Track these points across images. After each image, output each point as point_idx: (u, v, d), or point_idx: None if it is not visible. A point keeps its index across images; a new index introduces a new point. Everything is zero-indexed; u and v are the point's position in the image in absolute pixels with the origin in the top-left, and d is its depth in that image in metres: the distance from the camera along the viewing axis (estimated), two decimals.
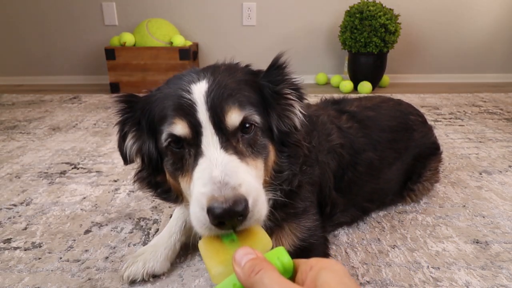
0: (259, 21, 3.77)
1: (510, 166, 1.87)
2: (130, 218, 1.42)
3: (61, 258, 1.20)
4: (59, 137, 2.31)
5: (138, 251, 1.16)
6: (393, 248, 1.24)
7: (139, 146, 0.95)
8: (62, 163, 1.93)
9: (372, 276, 1.11)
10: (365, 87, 3.44)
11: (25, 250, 1.24)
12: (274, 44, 3.82)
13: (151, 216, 1.44)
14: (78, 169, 1.86)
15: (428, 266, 1.15)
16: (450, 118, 2.67)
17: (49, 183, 1.71)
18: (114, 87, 3.41)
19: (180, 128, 0.79)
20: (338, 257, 1.20)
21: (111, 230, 1.35)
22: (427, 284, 1.08)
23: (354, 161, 1.25)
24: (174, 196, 0.98)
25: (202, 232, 0.70)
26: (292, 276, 0.56)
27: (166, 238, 1.17)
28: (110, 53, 3.31)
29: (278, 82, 0.93)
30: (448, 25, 3.82)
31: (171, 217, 1.25)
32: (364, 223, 1.39)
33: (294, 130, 0.93)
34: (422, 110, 1.69)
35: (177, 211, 1.23)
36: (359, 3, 3.35)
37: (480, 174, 1.78)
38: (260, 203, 0.71)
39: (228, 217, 0.65)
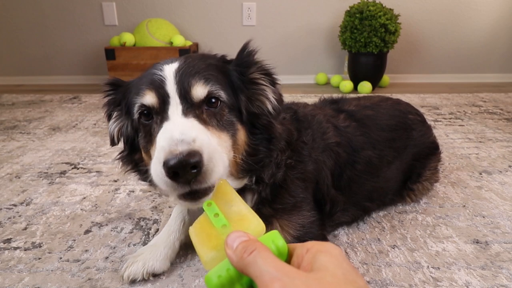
0: (259, 21, 3.77)
1: (510, 166, 1.87)
2: (130, 218, 1.42)
3: (61, 258, 1.20)
4: (59, 137, 2.31)
5: (138, 251, 1.16)
6: (393, 248, 1.24)
7: (120, 126, 1.02)
8: (62, 163, 1.93)
9: (372, 276, 1.11)
10: (365, 87, 3.44)
11: (25, 250, 1.24)
12: (274, 44, 3.82)
13: (151, 216, 1.44)
14: (78, 169, 1.86)
15: (428, 266, 1.15)
16: (450, 118, 2.67)
17: (49, 183, 1.71)
18: None
19: (148, 97, 0.86)
20: None
21: (111, 230, 1.35)
22: (427, 284, 1.08)
23: (352, 160, 1.25)
24: (145, 169, 1.01)
25: (162, 186, 0.75)
26: (287, 260, 0.55)
27: (166, 237, 1.17)
28: (110, 53, 3.31)
29: (246, 66, 0.96)
30: (448, 25, 3.82)
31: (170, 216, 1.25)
32: (364, 223, 1.39)
33: (267, 114, 0.96)
34: (422, 110, 1.69)
35: (176, 210, 1.23)
36: (359, 3, 3.35)
37: (480, 174, 1.78)
38: (215, 159, 0.75)
39: (181, 167, 0.68)
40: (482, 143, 2.18)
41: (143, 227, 1.37)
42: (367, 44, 3.29)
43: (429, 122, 1.59)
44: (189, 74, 0.87)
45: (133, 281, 1.08)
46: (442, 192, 1.61)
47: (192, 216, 1.20)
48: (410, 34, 3.81)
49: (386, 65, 3.55)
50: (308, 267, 0.48)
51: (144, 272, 1.08)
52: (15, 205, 1.52)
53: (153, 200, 1.54)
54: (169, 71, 0.88)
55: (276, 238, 0.54)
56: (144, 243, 1.26)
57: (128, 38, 3.34)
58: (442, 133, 2.34)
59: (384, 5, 3.31)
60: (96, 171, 1.83)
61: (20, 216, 1.44)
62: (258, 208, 1.03)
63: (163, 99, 0.85)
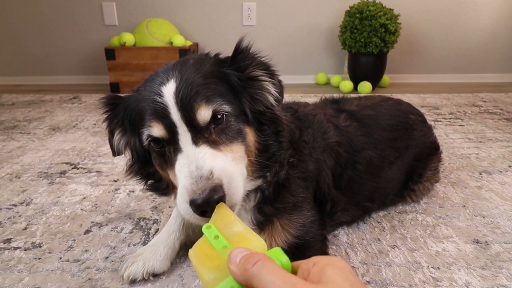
0: (259, 21, 3.77)
1: (510, 166, 1.87)
2: (130, 218, 1.42)
3: (61, 258, 1.20)
4: (59, 137, 2.31)
5: (137, 251, 1.16)
6: (393, 248, 1.24)
7: (126, 141, 1.01)
8: (62, 163, 1.93)
9: (372, 276, 1.11)
10: (365, 87, 3.44)
11: (25, 250, 1.24)
12: (274, 44, 3.82)
13: (151, 216, 1.44)
14: (78, 169, 1.86)
15: (428, 266, 1.15)
16: (450, 118, 2.67)
17: (49, 183, 1.71)
18: (114, 87, 3.41)
19: (156, 130, 0.86)
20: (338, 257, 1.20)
21: (111, 230, 1.35)
22: (427, 284, 1.08)
23: (353, 160, 1.25)
24: (165, 185, 1.03)
25: (191, 220, 0.79)
26: None
27: (165, 237, 1.17)
28: (110, 53, 3.31)
29: (245, 67, 0.94)
30: (448, 25, 3.82)
31: (170, 216, 1.25)
32: (364, 223, 1.39)
33: (269, 108, 0.96)
34: (422, 110, 1.69)
35: (176, 210, 1.23)
36: (359, 3, 3.35)
37: (480, 174, 1.78)
38: (234, 184, 0.78)
39: (208, 206, 0.72)
40: (482, 143, 2.18)
41: (143, 227, 1.37)
42: (367, 44, 3.29)
43: (429, 122, 1.59)
44: (189, 95, 0.84)
45: (133, 281, 1.08)
46: (442, 192, 1.61)
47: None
48: (410, 34, 3.81)
49: (386, 65, 3.55)
50: (315, 280, 0.47)
51: (144, 272, 1.08)
52: (15, 205, 1.52)
53: (153, 200, 1.54)
54: (168, 95, 0.85)
55: (279, 254, 0.53)
56: (144, 243, 1.26)
57: (128, 38, 3.34)
58: (442, 133, 2.34)
59: (384, 5, 3.31)
60: (96, 171, 1.83)
61: (20, 216, 1.44)
62: (260, 207, 1.03)
63: (171, 129, 0.84)
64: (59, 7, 3.67)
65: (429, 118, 2.59)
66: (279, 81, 0.98)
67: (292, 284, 0.44)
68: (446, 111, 2.86)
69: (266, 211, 1.04)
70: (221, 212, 0.70)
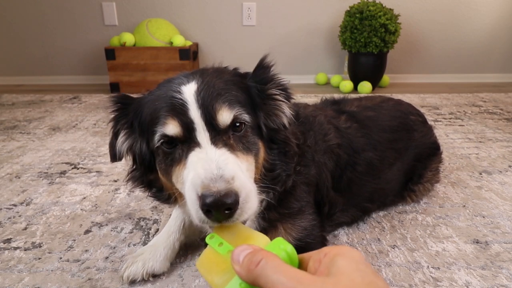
0: (259, 21, 3.77)
1: (510, 166, 1.87)
2: (130, 218, 1.42)
3: (61, 258, 1.20)
4: (59, 137, 2.31)
5: (137, 251, 1.16)
6: (393, 248, 1.24)
7: (130, 144, 0.97)
8: (62, 163, 1.93)
9: None
10: (365, 87, 3.44)
11: (25, 250, 1.24)
12: (274, 44, 3.82)
13: (151, 216, 1.44)
14: (78, 169, 1.86)
15: (428, 266, 1.15)
16: (450, 118, 2.67)
17: (49, 183, 1.71)
18: (114, 87, 3.41)
19: (171, 127, 0.82)
20: None
21: (111, 230, 1.35)
22: (427, 284, 1.08)
23: (353, 161, 1.25)
24: (166, 195, 1.00)
25: (193, 214, 0.74)
26: (303, 267, 0.52)
27: (165, 237, 1.17)
28: (110, 53, 3.31)
29: (265, 82, 0.95)
30: (448, 25, 3.82)
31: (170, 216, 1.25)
32: (364, 223, 1.39)
33: (282, 128, 0.96)
34: (422, 110, 1.69)
35: (176, 210, 1.23)
36: (359, 3, 3.35)
37: (480, 174, 1.78)
38: (251, 200, 0.74)
39: (216, 208, 0.68)
40: (482, 143, 2.18)
41: (143, 227, 1.37)
42: (367, 44, 3.29)
43: (429, 122, 1.59)
44: (211, 96, 0.83)
45: (132, 282, 1.08)
46: (442, 192, 1.61)
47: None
48: (410, 34, 3.81)
49: (386, 65, 3.55)
50: (326, 271, 0.46)
51: (144, 273, 1.08)
52: (15, 205, 1.52)
53: (153, 200, 1.54)
54: (188, 93, 0.83)
55: (283, 243, 0.53)
56: (144, 243, 1.26)
57: (128, 38, 3.34)
58: (442, 133, 2.34)
59: (384, 5, 3.31)
60: (96, 171, 1.83)
61: (20, 216, 1.44)
62: (265, 213, 1.03)
63: (188, 126, 0.81)
64: (59, 7, 3.67)
65: (429, 118, 2.59)
66: (294, 104, 0.99)
67: (297, 280, 0.43)
68: (446, 111, 2.86)
69: (270, 217, 1.04)
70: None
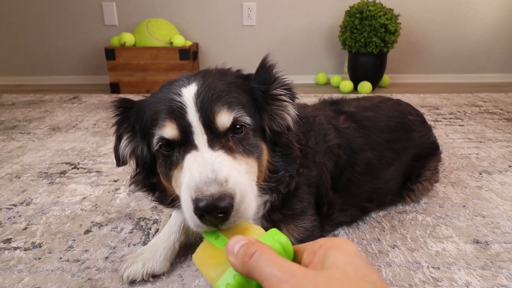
0: (259, 21, 3.77)
1: (510, 166, 1.87)
2: (130, 218, 1.42)
3: (61, 258, 1.20)
4: (59, 137, 2.31)
5: (137, 251, 1.16)
6: (393, 248, 1.24)
7: (133, 148, 0.97)
8: (62, 163, 1.93)
9: None
10: (365, 87, 3.44)
11: (25, 250, 1.24)
12: (274, 44, 3.82)
13: (151, 216, 1.44)
14: (78, 169, 1.86)
15: (428, 266, 1.15)
16: (450, 118, 2.67)
17: (49, 183, 1.71)
18: (114, 87, 3.41)
19: (169, 130, 0.81)
20: None
21: (111, 230, 1.35)
22: (427, 284, 1.08)
23: (352, 162, 1.25)
24: (169, 199, 0.99)
25: (189, 219, 0.72)
26: (298, 258, 0.52)
27: (165, 238, 1.17)
28: (110, 53, 3.31)
29: (269, 83, 0.93)
30: (448, 25, 3.82)
31: (170, 216, 1.25)
32: (364, 223, 1.39)
33: (286, 130, 0.94)
34: (422, 110, 1.69)
35: (176, 210, 1.23)
36: (359, 3, 3.35)
37: (480, 174, 1.78)
38: (247, 199, 0.72)
39: (209, 212, 0.66)
40: (482, 143, 2.18)
41: (143, 227, 1.37)
42: (367, 44, 3.29)
43: (429, 122, 1.59)
44: (210, 99, 0.81)
45: (132, 282, 1.08)
46: (442, 192, 1.61)
47: None
48: (410, 34, 3.81)
49: (386, 65, 3.55)
50: (319, 264, 0.46)
51: (143, 273, 1.08)
52: (15, 205, 1.52)
53: (157, 205, 1.54)
54: (188, 95, 0.82)
55: (277, 235, 0.53)
56: (144, 243, 1.26)
57: (128, 38, 3.34)
58: (442, 133, 2.34)
59: (384, 5, 3.31)
60: (96, 171, 1.83)
61: (20, 216, 1.44)
62: (268, 215, 1.03)
63: (185, 129, 0.80)
64: (59, 7, 3.67)
65: (429, 118, 2.60)
66: (298, 104, 0.98)
67: (291, 273, 0.43)
68: (446, 111, 2.86)
69: (274, 219, 1.04)
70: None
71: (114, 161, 1.03)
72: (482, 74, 4.04)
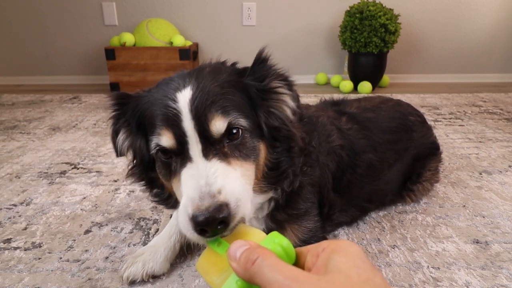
0: (259, 21, 3.77)
1: (510, 166, 1.87)
2: (130, 218, 1.42)
3: (61, 258, 1.20)
4: (59, 137, 2.31)
5: (137, 251, 1.16)
6: (393, 248, 1.24)
7: (130, 142, 0.96)
8: (62, 163, 1.93)
9: None
10: (365, 87, 3.44)
11: (25, 250, 1.24)
12: (274, 44, 3.82)
13: (151, 216, 1.44)
14: (78, 169, 1.86)
15: (428, 266, 1.15)
16: (450, 118, 2.67)
17: (49, 183, 1.71)
18: (114, 87, 3.41)
19: (165, 139, 0.80)
20: None
21: (111, 230, 1.35)
22: (427, 284, 1.08)
23: (353, 163, 1.25)
24: (166, 195, 0.99)
25: (190, 237, 0.72)
26: (301, 262, 0.52)
27: (166, 238, 1.17)
28: (110, 53, 3.31)
29: (264, 78, 0.91)
30: (448, 25, 3.82)
31: (171, 217, 1.25)
32: (364, 223, 1.39)
33: (285, 123, 0.93)
34: (422, 110, 1.69)
35: (177, 211, 1.23)
36: (359, 3, 3.35)
37: (480, 174, 1.78)
38: (243, 203, 0.73)
39: (208, 225, 0.67)
40: (482, 143, 2.18)
41: (143, 227, 1.37)
42: (367, 44, 3.29)
43: (429, 122, 1.59)
44: (204, 104, 0.80)
45: (132, 282, 1.08)
46: (442, 192, 1.61)
47: None
48: (410, 34, 3.81)
49: (386, 65, 3.54)
50: (323, 268, 0.46)
51: (143, 273, 1.08)
52: (15, 205, 1.52)
53: (156, 204, 1.54)
54: (183, 102, 0.81)
55: (279, 238, 0.53)
56: (144, 243, 1.26)
57: (128, 38, 3.34)
58: (442, 133, 2.34)
59: (384, 5, 3.30)
60: (96, 171, 1.83)
61: (20, 216, 1.44)
62: (272, 214, 1.02)
63: (181, 139, 0.79)
64: (59, 7, 3.67)
65: (429, 118, 2.60)
66: (297, 95, 0.96)
67: (293, 278, 0.43)
68: (446, 111, 2.86)
69: (279, 218, 1.03)
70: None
71: (114, 161, 1.03)
72: (482, 74, 4.04)
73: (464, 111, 2.86)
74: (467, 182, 1.69)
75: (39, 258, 1.20)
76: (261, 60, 0.93)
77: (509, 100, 3.19)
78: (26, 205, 1.52)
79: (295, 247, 0.54)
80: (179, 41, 3.37)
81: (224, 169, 0.76)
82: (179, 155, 0.81)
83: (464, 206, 1.50)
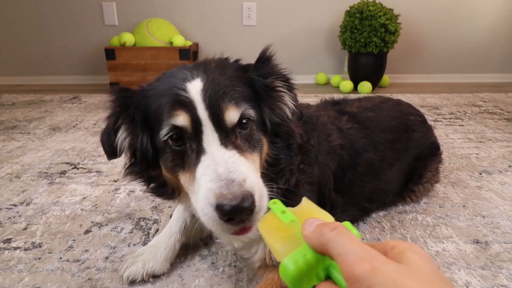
0: (259, 21, 3.77)
1: (510, 166, 1.87)
2: (130, 218, 1.42)
3: (61, 258, 1.20)
4: (59, 137, 2.31)
5: (137, 251, 1.16)
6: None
7: (132, 140, 0.93)
8: (62, 163, 1.93)
9: None
10: (365, 87, 3.44)
11: (25, 250, 1.24)
12: (274, 44, 3.79)
13: (151, 216, 1.44)
14: (78, 169, 1.86)
15: None
16: (450, 118, 2.67)
17: (49, 183, 1.71)
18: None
19: (182, 119, 0.80)
20: None
21: (111, 230, 1.35)
22: None
23: (354, 162, 1.25)
24: (170, 190, 0.98)
25: (211, 227, 0.74)
26: None
27: (166, 238, 1.17)
28: (110, 53, 3.31)
29: (268, 75, 0.94)
30: (448, 25, 3.82)
31: (171, 217, 1.25)
32: (364, 223, 1.39)
33: (285, 120, 0.95)
34: (422, 110, 1.69)
35: (177, 211, 1.23)
36: (359, 3, 3.35)
37: (480, 174, 1.78)
38: (264, 194, 0.75)
39: (237, 213, 0.69)
40: (482, 143, 2.18)
41: (143, 227, 1.37)
42: (367, 44, 3.29)
43: (429, 122, 1.59)
44: (217, 95, 0.81)
45: (132, 282, 1.08)
46: (442, 192, 1.61)
47: (193, 219, 1.19)
48: (410, 34, 3.81)
49: (386, 65, 3.55)
50: (395, 261, 0.44)
51: (144, 273, 1.08)
52: (15, 205, 1.52)
53: (153, 200, 1.54)
54: (195, 91, 0.81)
55: (350, 228, 0.52)
56: (144, 243, 1.26)
57: (128, 38, 3.34)
58: (442, 133, 2.34)
59: (384, 5, 3.31)
60: (96, 171, 1.83)
61: (20, 216, 1.44)
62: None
63: (196, 125, 0.80)
64: (59, 7, 3.67)
65: (429, 118, 2.59)
66: (296, 97, 0.98)
67: (372, 256, 0.42)
68: (446, 111, 2.86)
69: None
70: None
71: (114, 161, 1.01)
72: (482, 74, 4.04)
73: (464, 111, 2.86)
74: (467, 182, 1.69)
75: (39, 258, 1.19)
76: (265, 58, 0.95)
77: (509, 100, 3.19)
78: (26, 205, 1.52)
79: None
80: (179, 41, 3.37)
81: (244, 161, 0.78)
82: (193, 140, 0.81)
83: (464, 206, 1.50)
